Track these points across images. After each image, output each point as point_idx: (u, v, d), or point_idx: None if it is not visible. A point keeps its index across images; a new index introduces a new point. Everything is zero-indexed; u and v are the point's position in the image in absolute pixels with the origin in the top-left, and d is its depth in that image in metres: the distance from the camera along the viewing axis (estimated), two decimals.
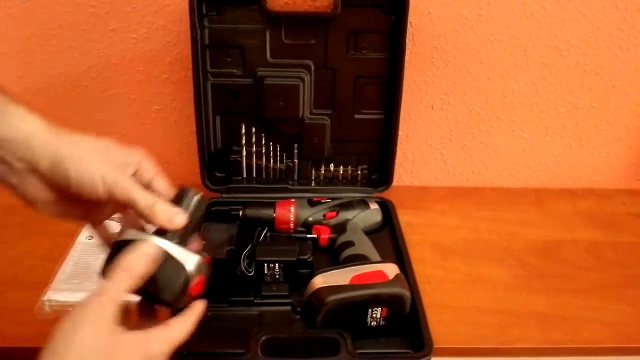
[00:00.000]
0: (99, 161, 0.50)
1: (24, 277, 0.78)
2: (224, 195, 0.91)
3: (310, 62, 0.86)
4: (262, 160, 0.92)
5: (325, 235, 0.81)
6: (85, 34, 0.87)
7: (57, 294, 0.73)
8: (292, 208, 0.83)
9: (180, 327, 0.51)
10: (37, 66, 0.89)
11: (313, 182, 0.94)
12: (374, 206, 0.86)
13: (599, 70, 0.92)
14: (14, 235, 0.85)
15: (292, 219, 0.83)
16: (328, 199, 0.86)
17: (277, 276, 0.74)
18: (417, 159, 1.01)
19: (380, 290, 0.66)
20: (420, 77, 0.92)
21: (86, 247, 0.82)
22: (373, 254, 0.76)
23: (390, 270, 0.68)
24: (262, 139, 0.91)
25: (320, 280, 0.67)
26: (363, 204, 0.86)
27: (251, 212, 0.84)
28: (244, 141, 0.90)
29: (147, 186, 0.55)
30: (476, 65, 0.91)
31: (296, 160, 0.93)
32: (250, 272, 0.73)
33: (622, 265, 0.84)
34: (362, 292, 0.65)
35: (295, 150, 0.92)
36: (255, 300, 0.73)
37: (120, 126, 0.95)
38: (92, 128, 0.94)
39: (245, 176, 0.93)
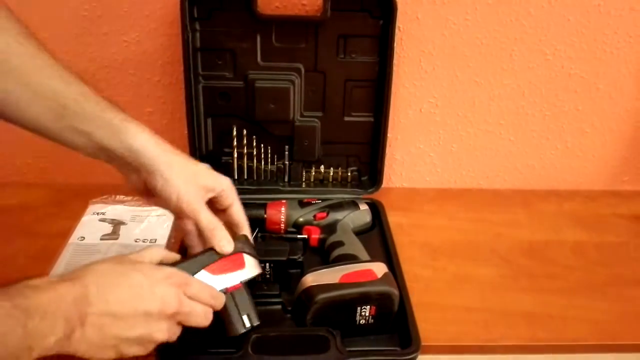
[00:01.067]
0: (184, 181, 0.60)
1: (16, 278, 0.78)
2: None
3: (300, 65, 0.87)
4: (253, 162, 0.93)
5: (315, 235, 0.82)
6: (77, 37, 0.88)
7: None
8: (282, 209, 0.84)
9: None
10: None
11: (304, 183, 0.96)
12: (363, 207, 0.87)
13: (584, 74, 0.94)
14: (7, 235, 0.86)
15: (283, 220, 0.84)
16: (318, 200, 0.87)
17: (268, 276, 0.75)
18: (406, 161, 1.02)
19: (368, 289, 0.67)
20: (408, 81, 0.94)
21: (78, 248, 0.82)
22: (362, 253, 0.77)
23: (379, 269, 0.69)
24: (253, 141, 0.92)
25: (310, 279, 0.68)
26: (353, 205, 0.87)
27: None
28: (235, 143, 0.91)
29: (225, 210, 0.66)
30: (463, 69, 0.93)
31: (287, 162, 0.94)
32: None
33: (606, 265, 0.86)
34: (351, 290, 0.66)
35: (286, 152, 0.93)
36: None
37: None
38: None
39: (236, 178, 0.94)
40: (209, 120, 0.90)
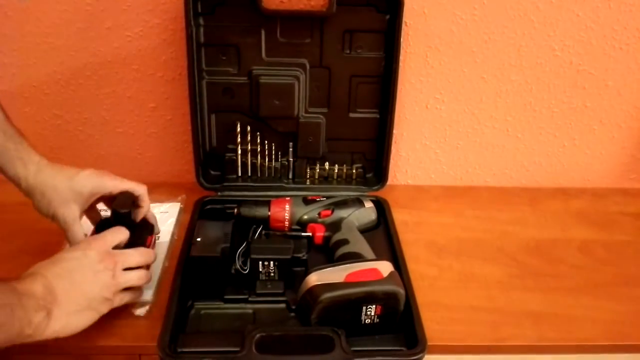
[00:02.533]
0: (60, 201, 0.69)
1: (17, 274, 0.77)
2: (219, 193, 0.91)
3: (305, 61, 0.86)
4: (257, 159, 0.92)
5: (320, 233, 0.81)
6: (80, 32, 0.87)
7: None
8: (287, 206, 0.83)
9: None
10: (32, 64, 0.89)
11: (308, 180, 0.95)
12: (368, 205, 0.86)
13: (592, 70, 0.93)
14: (8, 232, 0.85)
15: (287, 217, 0.83)
16: (323, 197, 0.86)
17: (272, 274, 0.74)
18: (411, 158, 1.01)
19: (374, 288, 0.66)
20: (415, 77, 0.93)
21: None
22: (367, 252, 0.77)
23: (385, 268, 0.69)
24: (257, 138, 0.91)
25: (314, 278, 0.67)
26: (358, 202, 0.86)
27: (246, 210, 0.84)
28: (239, 139, 0.91)
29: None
30: (470, 64, 0.92)
31: (291, 159, 0.93)
32: (245, 270, 0.74)
33: (614, 263, 0.85)
34: (357, 289, 0.65)
35: (291, 149, 0.92)
36: (250, 298, 0.73)
37: (116, 124, 0.95)
38: (87, 126, 0.95)
39: (240, 174, 0.93)
40: (213, 116, 0.90)
